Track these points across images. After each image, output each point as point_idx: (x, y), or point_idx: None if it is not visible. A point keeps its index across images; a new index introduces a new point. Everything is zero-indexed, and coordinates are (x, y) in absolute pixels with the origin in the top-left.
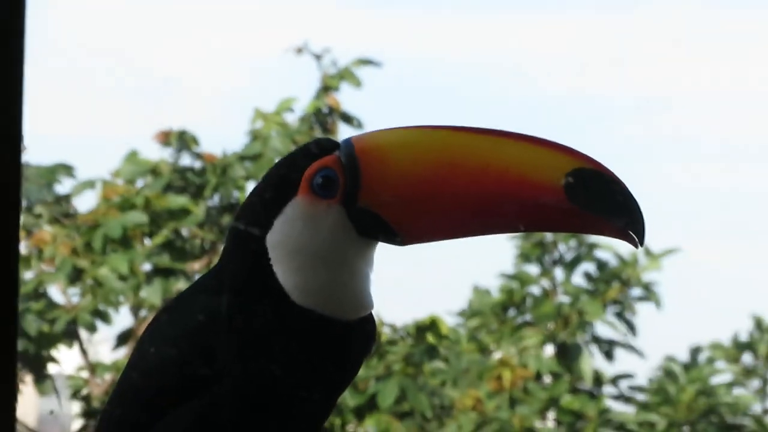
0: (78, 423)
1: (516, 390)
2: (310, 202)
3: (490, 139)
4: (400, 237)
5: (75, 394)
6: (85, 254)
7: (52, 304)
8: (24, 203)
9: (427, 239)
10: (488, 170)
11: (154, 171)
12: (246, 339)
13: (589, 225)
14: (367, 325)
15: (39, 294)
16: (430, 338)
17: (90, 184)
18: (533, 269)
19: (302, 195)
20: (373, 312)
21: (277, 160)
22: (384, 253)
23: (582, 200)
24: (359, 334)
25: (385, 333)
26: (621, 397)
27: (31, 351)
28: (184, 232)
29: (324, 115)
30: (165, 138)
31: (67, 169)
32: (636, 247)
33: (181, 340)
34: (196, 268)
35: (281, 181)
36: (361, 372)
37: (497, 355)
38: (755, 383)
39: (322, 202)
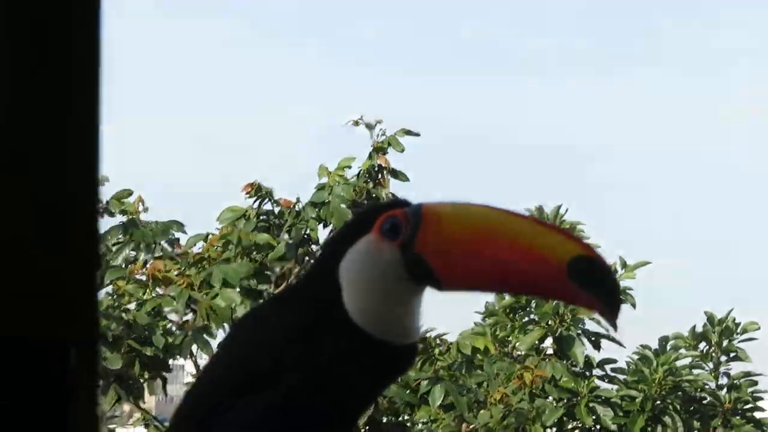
0: None
1: (535, 387)
2: (377, 240)
3: (523, 222)
4: (440, 284)
5: None
6: (199, 289)
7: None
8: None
9: (459, 289)
10: (516, 246)
11: (244, 215)
12: (310, 347)
13: (581, 301)
14: (410, 350)
15: (157, 313)
16: (469, 350)
17: (202, 237)
18: None
19: (373, 234)
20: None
21: (340, 206)
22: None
23: (580, 280)
24: (401, 357)
25: (436, 343)
26: (606, 378)
27: (159, 356)
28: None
29: (376, 172)
30: (250, 189)
31: (179, 225)
32: (614, 328)
33: (255, 343)
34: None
35: (360, 221)
36: (413, 374)
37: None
38: (710, 365)
39: (386, 243)
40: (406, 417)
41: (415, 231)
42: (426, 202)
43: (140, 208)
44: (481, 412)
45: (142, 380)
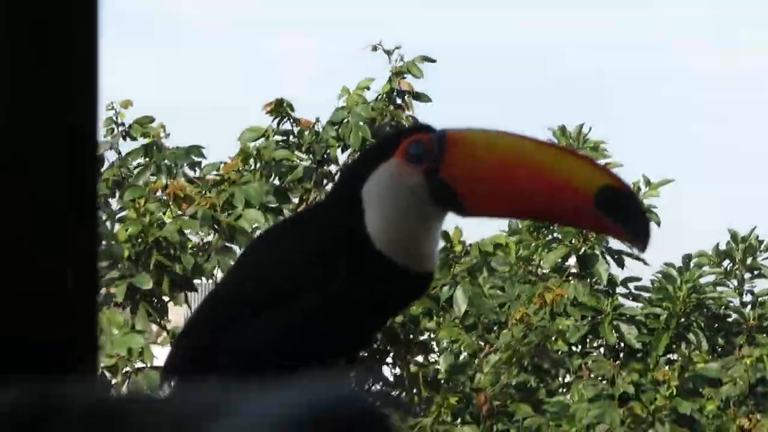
0: None
1: (556, 307)
2: (401, 165)
3: (551, 150)
4: (464, 210)
5: None
6: (222, 210)
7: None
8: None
9: (482, 215)
10: (543, 173)
11: (265, 134)
12: (329, 269)
13: (608, 230)
14: (426, 277)
15: (181, 233)
16: (490, 248)
17: (215, 166)
18: None
19: (397, 158)
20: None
21: (359, 125)
22: None
23: (607, 210)
24: (418, 284)
25: (457, 248)
26: (630, 296)
27: (187, 274)
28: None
29: (397, 95)
30: (272, 107)
31: (199, 150)
32: (642, 251)
33: (275, 262)
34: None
35: (383, 145)
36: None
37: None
38: (734, 282)
39: (411, 167)
40: (429, 336)
41: (441, 156)
42: (450, 128)
43: (162, 134)
44: (503, 332)
45: (168, 299)
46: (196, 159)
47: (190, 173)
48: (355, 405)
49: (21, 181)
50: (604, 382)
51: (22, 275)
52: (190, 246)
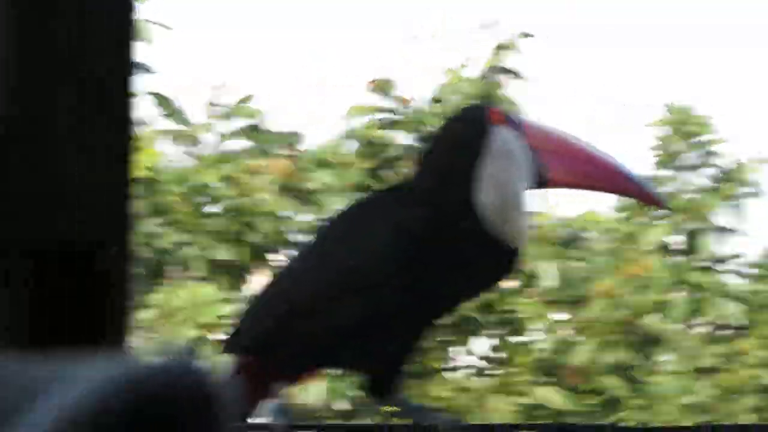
0: None
1: (643, 278)
2: (509, 131)
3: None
4: (547, 183)
5: None
6: (301, 176)
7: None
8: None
9: (555, 187)
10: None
11: (370, 112)
12: (430, 241)
13: (636, 192)
14: (517, 254)
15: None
16: (585, 224)
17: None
18: (667, 173)
19: (502, 125)
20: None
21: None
22: None
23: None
24: (511, 260)
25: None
26: (735, 272)
27: (266, 245)
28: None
29: (497, 70)
30: (375, 85)
31: (296, 137)
32: (663, 207)
33: (372, 235)
34: None
35: (470, 118)
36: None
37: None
38: None
39: (517, 132)
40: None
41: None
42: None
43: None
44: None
45: (246, 270)
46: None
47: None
48: (177, 379)
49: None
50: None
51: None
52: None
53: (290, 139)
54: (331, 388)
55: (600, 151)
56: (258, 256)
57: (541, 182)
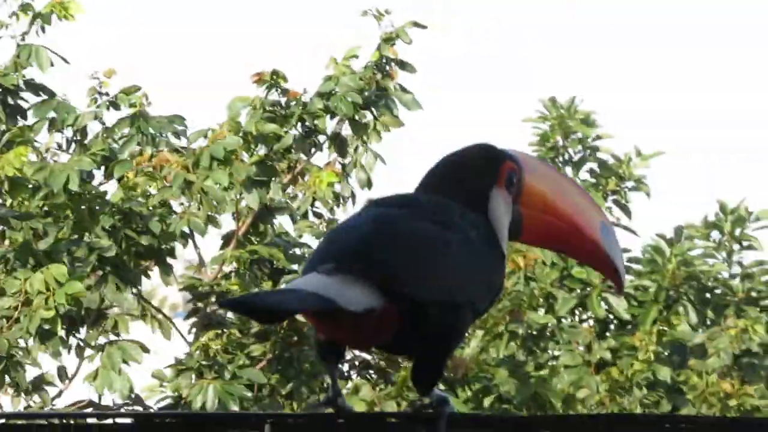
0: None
1: (529, 270)
2: (505, 196)
3: (581, 194)
4: (517, 237)
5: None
6: (194, 171)
7: (172, 212)
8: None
9: (527, 243)
10: (578, 216)
11: (252, 105)
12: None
13: (606, 267)
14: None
15: (163, 204)
16: None
17: (203, 133)
18: None
19: (501, 189)
20: None
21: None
22: None
23: (606, 245)
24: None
25: None
26: None
27: (155, 246)
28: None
29: (385, 63)
30: (259, 78)
31: (181, 119)
32: (620, 292)
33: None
34: (285, 181)
35: (485, 168)
36: None
37: None
38: (723, 254)
39: (510, 198)
40: None
41: (520, 189)
42: (516, 153)
43: (145, 102)
44: None
45: (137, 269)
46: (180, 128)
47: (177, 143)
48: None
49: None
50: (581, 349)
51: None
52: (160, 212)
53: (176, 123)
54: None
55: (593, 213)
56: (147, 255)
57: (514, 237)
